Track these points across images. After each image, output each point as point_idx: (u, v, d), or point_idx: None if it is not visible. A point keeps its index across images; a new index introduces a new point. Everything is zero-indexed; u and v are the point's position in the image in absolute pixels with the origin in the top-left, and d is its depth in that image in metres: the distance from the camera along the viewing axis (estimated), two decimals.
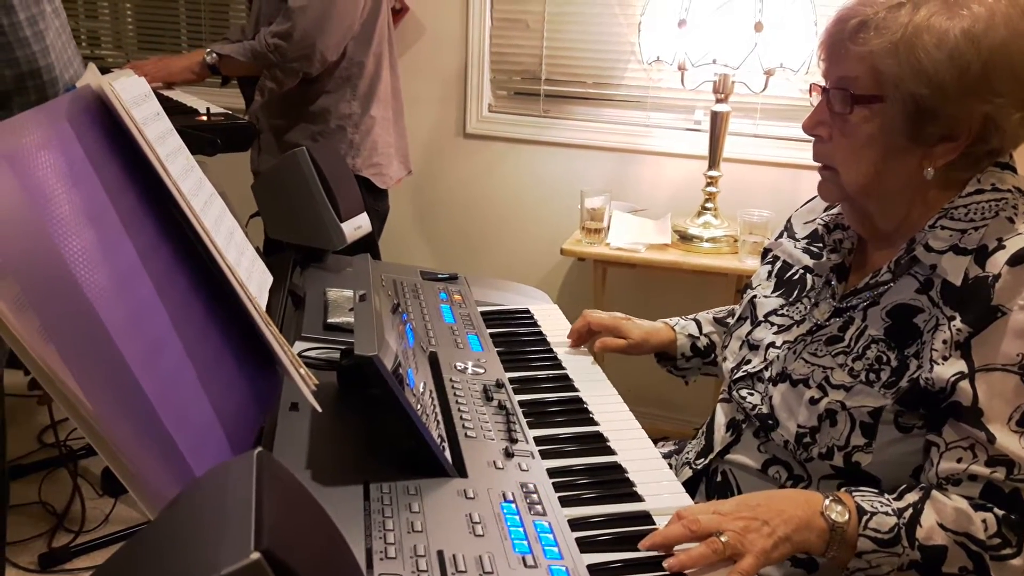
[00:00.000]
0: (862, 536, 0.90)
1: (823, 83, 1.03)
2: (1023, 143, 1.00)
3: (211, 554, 0.44)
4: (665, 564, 0.85)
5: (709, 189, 2.38)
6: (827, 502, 0.91)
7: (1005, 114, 0.94)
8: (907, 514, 0.92)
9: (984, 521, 0.91)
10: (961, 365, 0.93)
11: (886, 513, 0.91)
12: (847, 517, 0.90)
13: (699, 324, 1.39)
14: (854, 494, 0.94)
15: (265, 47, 2.06)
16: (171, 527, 0.49)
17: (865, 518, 0.91)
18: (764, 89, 2.23)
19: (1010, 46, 0.92)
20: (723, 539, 0.84)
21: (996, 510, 0.91)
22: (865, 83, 0.97)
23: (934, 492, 0.94)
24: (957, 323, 0.94)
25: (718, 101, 2.28)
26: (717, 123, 2.30)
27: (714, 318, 1.40)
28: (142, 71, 2.10)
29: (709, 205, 2.38)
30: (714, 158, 2.34)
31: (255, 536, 0.44)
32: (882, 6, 0.96)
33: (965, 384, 0.92)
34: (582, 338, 1.36)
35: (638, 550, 0.88)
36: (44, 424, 2.54)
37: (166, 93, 2.12)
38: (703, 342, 1.37)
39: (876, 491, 0.95)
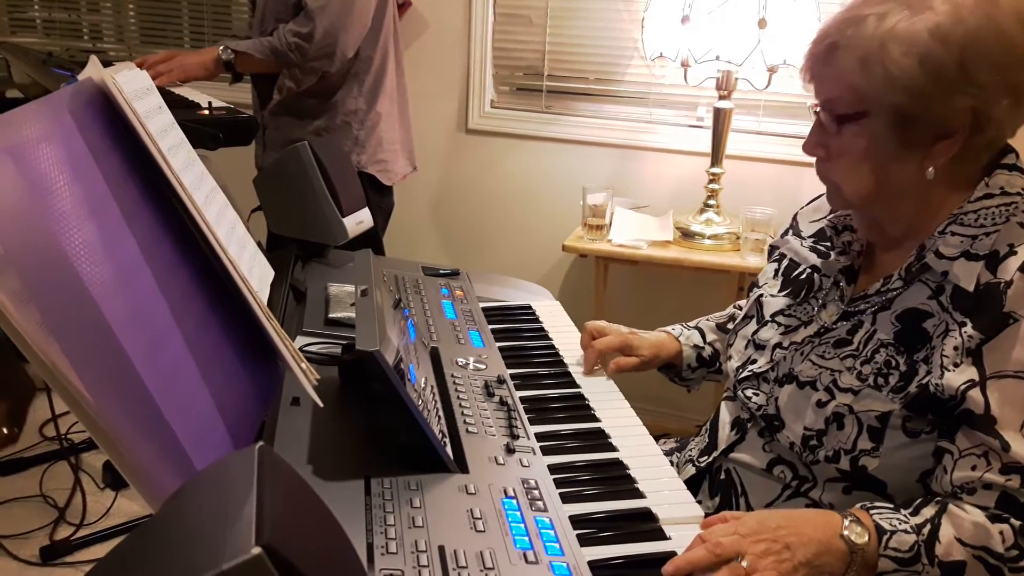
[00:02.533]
0: (883, 556, 0.89)
1: (816, 102, 1.04)
2: (1022, 126, 0.99)
3: (212, 549, 0.44)
4: None
5: (711, 186, 2.37)
6: (846, 523, 0.90)
7: (992, 103, 0.93)
8: (925, 530, 0.90)
9: (1002, 533, 0.89)
10: (972, 372, 0.92)
11: (905, 531, 0.90)
12: (867, 538, 0.89)
13: (702, 333, 1.38)
14: (871, 512, 0.92)
15: (286, 47, 2.04)
16: (172, 521, 0.49)
17: (885, 538, 0.89)
18: (767, 86, 2.23)
19: (981, 35, 0.91)
20: (743, 564, 0.83)
21: (1013, 520, 0.90)
22: (847, 101, 0.97)
23: (950, 506, 0.92)
24: (968, 329, 0.93)
25: (721, 98, 2.28)
26: (720, 120, 2.29)
27: (716, 325, 1.39)
28: (156, 71, 2.10)
29: (711, 202, 2.38)
30: (717, 155, 2.34)
31: (256, 531, 0.44)
32: (849, 23, 0.96)
33: (976, 392, 0.91)
34: (593, 360, 1.29)
35: (639, 544, 0.88)
36: (45, 417, 2.53)
37: (169, 87, 2.11)
38: (708, 351, 1.36)
39: (892, 507, 0.94)
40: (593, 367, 1.28)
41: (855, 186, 1.02)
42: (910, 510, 0.93)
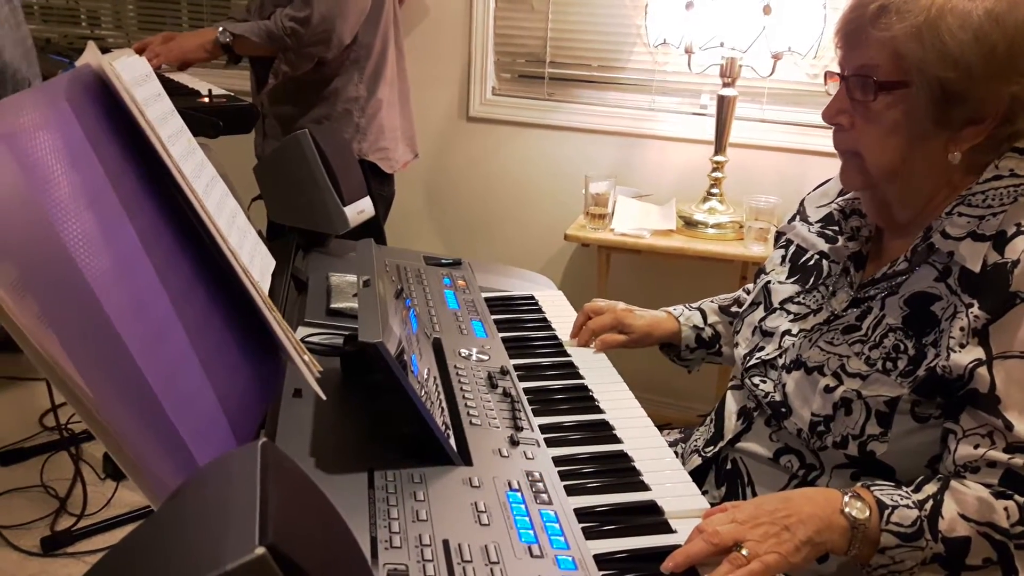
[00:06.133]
0: (885, 531, 0.88)
1: (838, 71, 1.02)
2: None
3: (215, 548, 0.43)
4: None
5: (715, 174, 2.36)
6: (846, 499, 0.89)
7: None
8: (928, 506, 0.90)
9: (1006, 509, 0.89)
10: (979, 352, 0.91)
11: (907, 506, 0.90)
12: (868, 513, 0.89)
13: (704, 314, 1.37)
14: (872, 488, 0.92)
15: (282, 30, 2.03)
16: (174, 520, 0.48)
17: (887, 512, 0.89)
18: (771, 73, 2.21)
19: None
20: (744, 552, 0.83)
21: (1017, 497, 0.90)
22: (888, 69, 0.95)
23: (952, 482, 0.92)
24: (975, 310, 0.92)
25: (725, 85, 2.26)
26: (723, 107, 2.28)
27: (719, 307, 1.38)
28: (154, 52, 2.08)
29: (715, 190, 2.36)
30: (720, 143, 2.32)
31: (260, 530, 0.43)
32: None
33: (983, 371, 0.91)
34: (586, 339, 1.33)
35: (645, 537, 0.87)
36: (45, 407, 2.53)
37: (168, 74, 2.09)
38: (708, 333, 1.36)
39: (893, 484, 0.94)
40: (585, 344, 1.32)
41: (879, 158, 1.00)
42: (912, 487, 0.93)
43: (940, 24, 0.91)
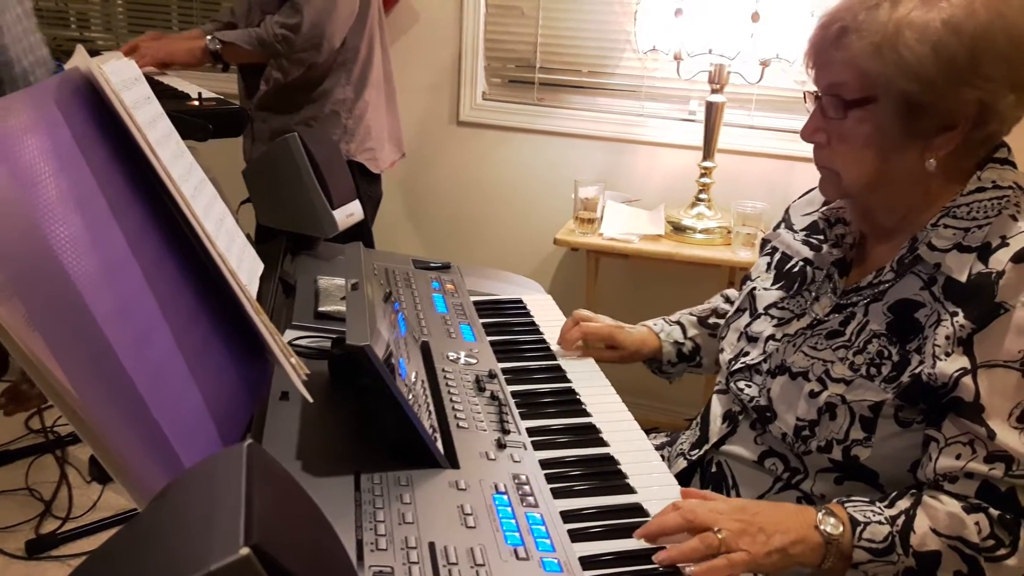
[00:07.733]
0: (857, 547, 0.90)
1: (815, 90, 1.03)
2: (1020, 122, 0.99)
3: (200, 549, 0.43)
4: (655, 558, 0.85)
5: (703, 180, 2.37)
6: (820, 515, 0.91)
7: (999, 97, 0.93)
8: (900, 521, 0.92)
9: (977, 523, 0.90)
10: (964, 361, 0.92)
11: (879, 522, 0.92)
12: (841, 530, 0.91)
13: (683, 328, 1.38)
14: (846, 505, 0.94)
15: (273, 38, 2.04)
16: (159, 520, 0.48)
17: (859, 529, 0.91)
18: (760, 80, 2.22)
19: (993, 29, 0.91)
20: (720, 535, 0.84)
21: (991, 510, 0.91)
22: (855, 87, 0.97)
23: (925, 498, 0.94)
24: (960, 319, 0.93)
25: (713, 91, 2.27)
26: (712, 113, 2.29)
27: (698, 319, 1.39)
28: (142, 49, 2.08)
29: (703, 196, 2.37)
30: (708, 149, 2.33)
31: (244, 531, 0.43)
32: (860, 7, 0.96)
33: (967, 380, 0.92)
34: (576, 338, 1.32)
35: (630, 540, 0.88)
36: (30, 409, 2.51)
37: (157, 77, 2.09)
38: (688, 347, 1.37)
39: (867, 500, 0.95)
40: (573, 346, 1.31)
41: (856, 173, 1.01)
42: (885, 503, 0.94)
43: (898, 40, 0.92)
